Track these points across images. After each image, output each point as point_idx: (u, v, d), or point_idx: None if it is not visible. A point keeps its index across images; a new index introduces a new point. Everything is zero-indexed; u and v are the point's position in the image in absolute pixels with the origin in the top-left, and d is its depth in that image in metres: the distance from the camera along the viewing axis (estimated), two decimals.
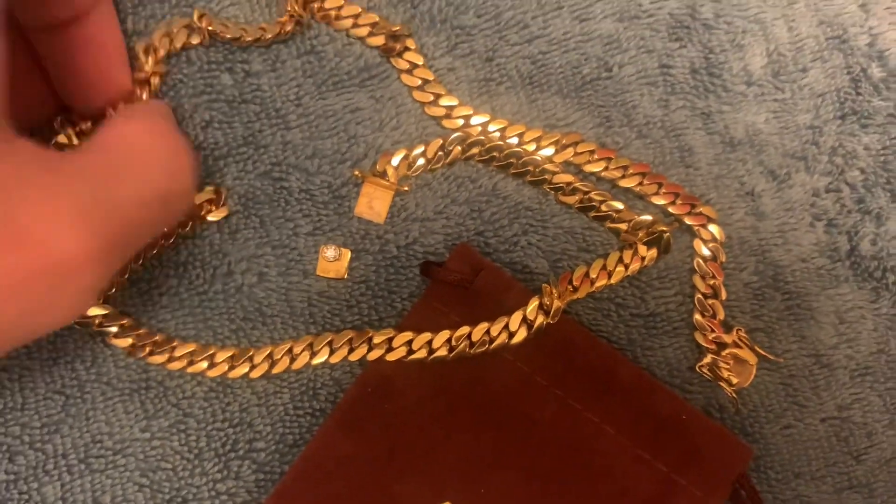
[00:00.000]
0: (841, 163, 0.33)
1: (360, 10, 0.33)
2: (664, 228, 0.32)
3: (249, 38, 0.32)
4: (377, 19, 0.33)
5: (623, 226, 0.33)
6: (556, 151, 0.33)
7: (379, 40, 0.33)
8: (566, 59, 0.33)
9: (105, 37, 0.28)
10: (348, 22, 0.33)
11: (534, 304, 0.31)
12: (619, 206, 0.33)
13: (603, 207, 0.33)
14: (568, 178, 0.33)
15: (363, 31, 0.33)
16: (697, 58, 0.33)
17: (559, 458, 0.30)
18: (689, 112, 0.33)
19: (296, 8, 0.32)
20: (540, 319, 0.31)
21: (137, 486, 0.31)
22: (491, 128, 0.33)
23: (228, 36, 0.32)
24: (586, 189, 0.33)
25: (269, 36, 0.32)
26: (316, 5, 0.32)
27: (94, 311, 0.31)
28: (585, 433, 0.30)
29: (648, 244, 0.32)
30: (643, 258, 0.32)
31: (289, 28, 0.32)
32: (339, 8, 0.33)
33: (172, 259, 0.32)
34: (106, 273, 0.21)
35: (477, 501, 0.30)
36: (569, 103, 0.33)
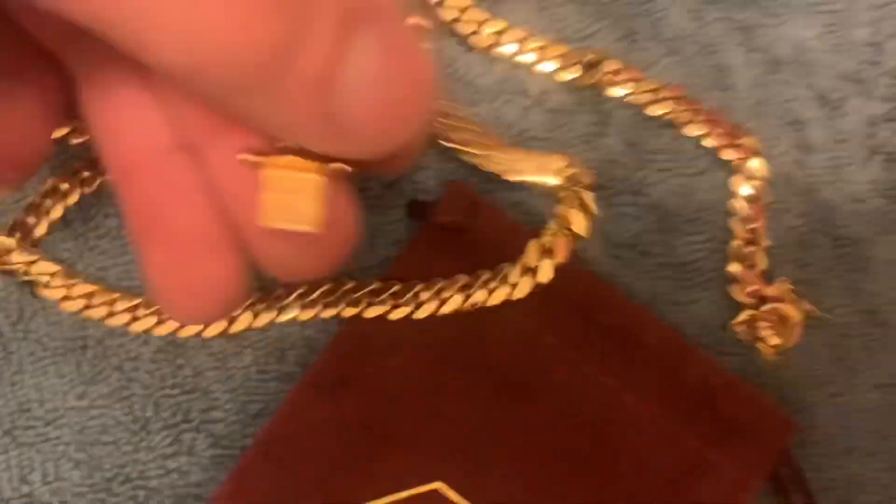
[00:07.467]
0: None
1: None
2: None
3: None
4: None
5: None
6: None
7: None
8: None
9: None
10: None
11: (540, 246, 0.27)
12: None
13: None
14: None
15: None
16: None
17: (570, 430, 0.28)
18: (726, 25, 0.30)
19: None
20: (548, 266, 0.27)
21: (73, 462, 0.28)
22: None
23: None
24: None
25: None
26: None
27: (20, 258, 0.28)
28: (602, 401, 0.28)
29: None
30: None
31: None
32: None
33: (112, 195, 0.28)
34: None
35: (474, 480, 0.27)
36: (587, 12, 0.30)
